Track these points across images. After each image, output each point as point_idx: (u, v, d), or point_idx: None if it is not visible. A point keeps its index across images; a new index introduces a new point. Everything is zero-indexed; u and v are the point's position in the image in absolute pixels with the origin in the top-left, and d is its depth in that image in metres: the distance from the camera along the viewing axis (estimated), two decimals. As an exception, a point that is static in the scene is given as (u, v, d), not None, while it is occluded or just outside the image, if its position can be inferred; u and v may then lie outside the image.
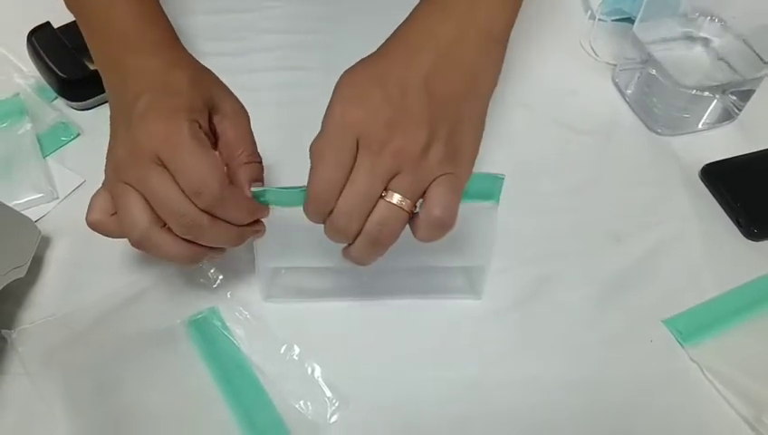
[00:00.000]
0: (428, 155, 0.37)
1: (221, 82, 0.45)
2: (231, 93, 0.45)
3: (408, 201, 0.37)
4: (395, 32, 0.40)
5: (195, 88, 0.42)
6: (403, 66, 0.38)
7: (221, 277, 0.50)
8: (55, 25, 0.63)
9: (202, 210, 0.38)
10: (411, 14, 0.41)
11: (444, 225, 0.37)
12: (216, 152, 0.43)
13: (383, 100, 0.37)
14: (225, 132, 0.43)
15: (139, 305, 0.48)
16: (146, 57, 0.43)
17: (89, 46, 0.46)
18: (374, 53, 0.40)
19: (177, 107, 0.39)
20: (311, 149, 0.38)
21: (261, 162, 0.44)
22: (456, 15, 0.39)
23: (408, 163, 0.36)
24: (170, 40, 0.46)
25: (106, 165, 0.42)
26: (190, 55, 0.46)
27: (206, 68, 0.45)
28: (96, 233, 0.43)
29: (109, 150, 0.42)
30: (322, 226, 0.39)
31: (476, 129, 0.40)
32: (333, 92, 0.38)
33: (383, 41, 0.40)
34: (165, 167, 0.38)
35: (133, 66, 0.42)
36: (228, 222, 0.40)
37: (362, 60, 0.40)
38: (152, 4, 0.46)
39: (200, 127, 0.40)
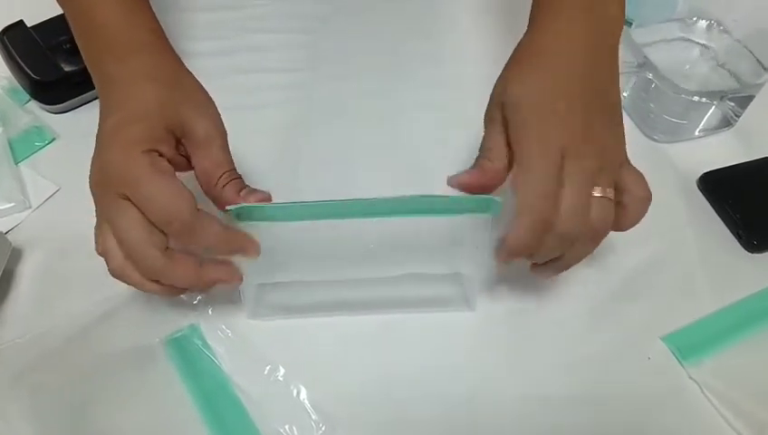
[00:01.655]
0: (613, 146, 0.41)
1: (196, 97, 0.43)
2: (204, 113, 0.42)
3: (611, 190, 0.40)
4: (532, 40, 0.42)
5: (160, 112, 0.40)
6: (566, 75, 0.40)
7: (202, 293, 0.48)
8: (29, 24, 0.60)
9: (165, 259, 0.38)
10: (541, 20, 0.43)
11: (650, 199, 0.42)
12: (180, 179, 0.40)
13: (569, 111, 0.39)
14: (198, 162, 0.41)
15: (114, 322, 0.46)
16: (123, 63, 0.42)
17: (77, 44, 0.45)
18: (524, 62, 0.41)
19: (136, 138, 0.38)
20: (520, 175, 0.39)
21: (239, 178, 0.42)
22: (586, 17, 0.42)
23: (605, 160, 0.40)
24: (153, 40, 0.44)
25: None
26: (173, 59, 0.44)
27: (183, 78, 0.43)
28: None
29: (92, 162, 0.41)
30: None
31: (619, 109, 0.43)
32: (512, 110, 0.39)
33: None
34: (131, 200, 0.37)
35: (109, 74, 0.42)
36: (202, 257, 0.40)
37: (517, 73, 0.41)
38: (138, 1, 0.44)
39: (162, 155, 0.39)
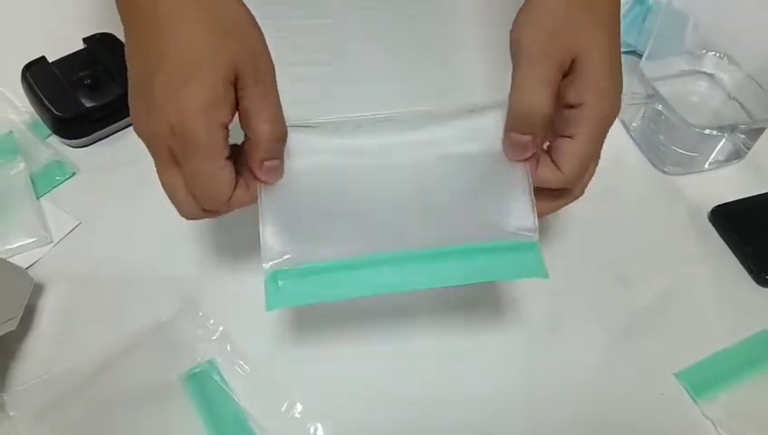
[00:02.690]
0: None
1: (253, 31, 0.39)
2: (261, 49, 0.39)
3: None
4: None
5: (216, 61, 0.36)
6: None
7: (221, 328, 0.48)
8: (51, 59, 0.62)
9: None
10: None
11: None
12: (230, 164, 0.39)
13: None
14: (246, 108, 0.38)
15: (133, 358, 0.47)
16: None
17: None
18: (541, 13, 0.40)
19: (195, 105, 0.35)
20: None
21: (285, 130, 0.40)
22: None
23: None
24: None
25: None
26: None
27: (231, 9, 0.39)
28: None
29: (133, 100, 0.38)
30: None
31: None
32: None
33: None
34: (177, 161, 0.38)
35: (146, 11, 0.37)
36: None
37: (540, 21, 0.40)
38: None
39: (223, 121, 0.37)
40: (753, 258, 0.53)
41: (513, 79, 0.40)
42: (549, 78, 0.39)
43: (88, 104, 0.59)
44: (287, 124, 0.40)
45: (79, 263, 0.52)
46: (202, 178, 0.37)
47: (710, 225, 0.56)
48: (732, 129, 0.58)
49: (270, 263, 0.40)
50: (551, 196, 0.43)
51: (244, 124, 0.39)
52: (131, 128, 0.61)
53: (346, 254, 0.41)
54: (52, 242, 0.53)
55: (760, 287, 0.53)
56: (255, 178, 0.40)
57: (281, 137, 0.39)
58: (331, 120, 0.43)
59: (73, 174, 0.58)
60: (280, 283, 0.40)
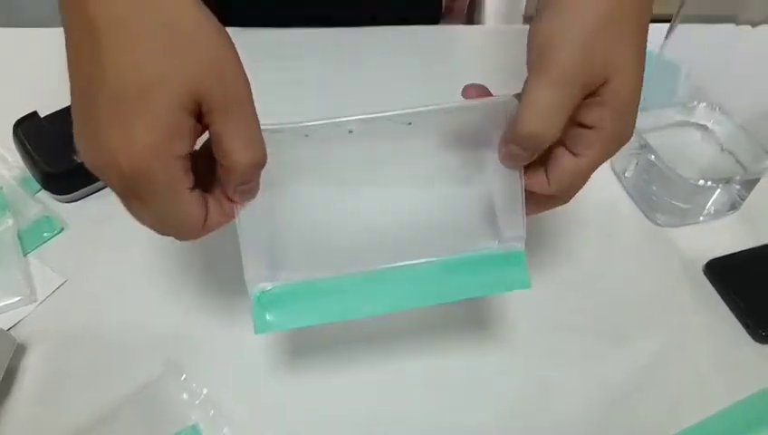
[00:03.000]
0: None
1: (216, 40, 0.32)
2: (227, 62, 0.32)
3: None
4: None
5: (173, 80, 0.30)
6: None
7: (205, 391, 0.47)
8: (43, 114, 0.62)
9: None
10: None
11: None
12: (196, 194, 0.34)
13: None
14: (217, 133, 0.33)
15: (115, 425, 0.46)
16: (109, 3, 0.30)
17: None
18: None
19: (146, 136, 0.30)
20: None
21: (264, 154, 0.35)
22: None
23: None
24: None
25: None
26: None
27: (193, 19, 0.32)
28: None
29: (79, 135, 0.32)
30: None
31: None
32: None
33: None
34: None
35: (91, 17, 0.30)
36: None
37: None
38: None
39: (180, 154, 0.32)
40: (749, 314, 0.52)
41: (529, 87, 0.36)
42: (572, 104, 0.35)
43: (78, 159, 0.59)
44: (264, 130, 0.34)
45: (63, 322, 0.52)
46: (167, 217, 0.34)
47: (705, 278, 0.55)
48: (726, 180, 0.57)
49: (255, 286, 0.39)
50: (535, 199, 0.41)
51: (216, 151, 0.34)
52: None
53: (331, 272, 0.40)
54: (36, 301, 0.53)
55: (757, 343, 0.51)
56: (230, 201, 0.37)
57: (259, 163, 0.34)
58: (318, 123, 0.37)
59: (62, 229, 0.58)
60: (268, 309, 0.39)
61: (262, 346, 0.50)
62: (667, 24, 0.55)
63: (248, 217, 0.37)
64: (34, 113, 0.62)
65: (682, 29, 0.54)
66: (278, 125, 0.36)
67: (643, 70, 0.37)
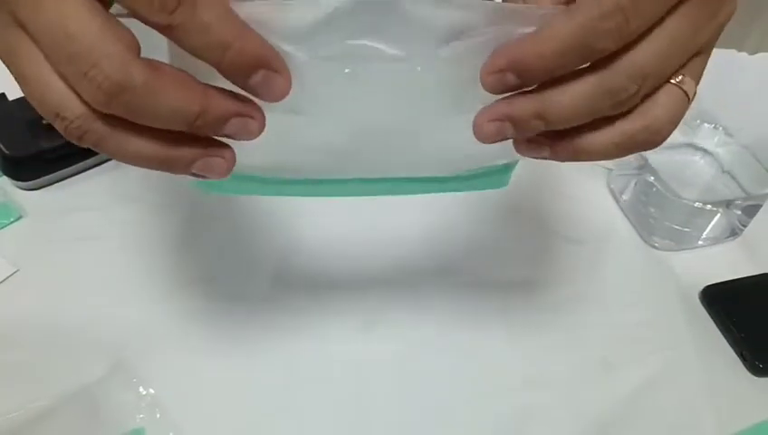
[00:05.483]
0: None
1: None
2: None
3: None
4: None
5: None
6: None
7: (152, 392, 0.44)
8: (12, 97, 0.59)
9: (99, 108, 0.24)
10: None
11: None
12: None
13: None
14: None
15: (49, 424, 0.42)
16: None
17: None
18: None
19: None
20: None
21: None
22: None
23: None
24: None
25: None
26: None
27: None
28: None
29: None
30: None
31: None
32: None
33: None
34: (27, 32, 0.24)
35: None
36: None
37: None
38: None
39: None
40: (745, 345, 0.49)
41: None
42: None
43: (44, 145, 0.55)
44: None
45: (10, 313, 0.48)
46: (54, 33, 0.24)
47: (701, 305, 0.52)
48: (727, 204, 0.54)
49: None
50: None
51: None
52: (89, 172, 0.59)
53: (300, 174, 0.34)
54: (-18, 290, 0.49)
55: (752, 376, 0.48)
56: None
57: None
58: None
59: (19, 217, 0.54)
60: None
61: (215, 350, 0.47)
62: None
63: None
64: (2, 95, 0.59)
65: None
66: None
67: None
